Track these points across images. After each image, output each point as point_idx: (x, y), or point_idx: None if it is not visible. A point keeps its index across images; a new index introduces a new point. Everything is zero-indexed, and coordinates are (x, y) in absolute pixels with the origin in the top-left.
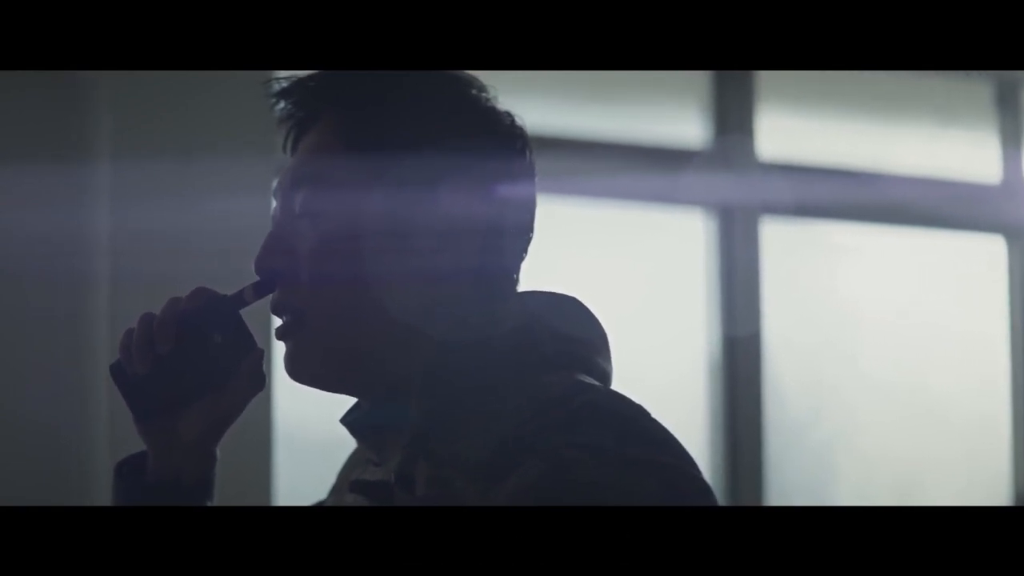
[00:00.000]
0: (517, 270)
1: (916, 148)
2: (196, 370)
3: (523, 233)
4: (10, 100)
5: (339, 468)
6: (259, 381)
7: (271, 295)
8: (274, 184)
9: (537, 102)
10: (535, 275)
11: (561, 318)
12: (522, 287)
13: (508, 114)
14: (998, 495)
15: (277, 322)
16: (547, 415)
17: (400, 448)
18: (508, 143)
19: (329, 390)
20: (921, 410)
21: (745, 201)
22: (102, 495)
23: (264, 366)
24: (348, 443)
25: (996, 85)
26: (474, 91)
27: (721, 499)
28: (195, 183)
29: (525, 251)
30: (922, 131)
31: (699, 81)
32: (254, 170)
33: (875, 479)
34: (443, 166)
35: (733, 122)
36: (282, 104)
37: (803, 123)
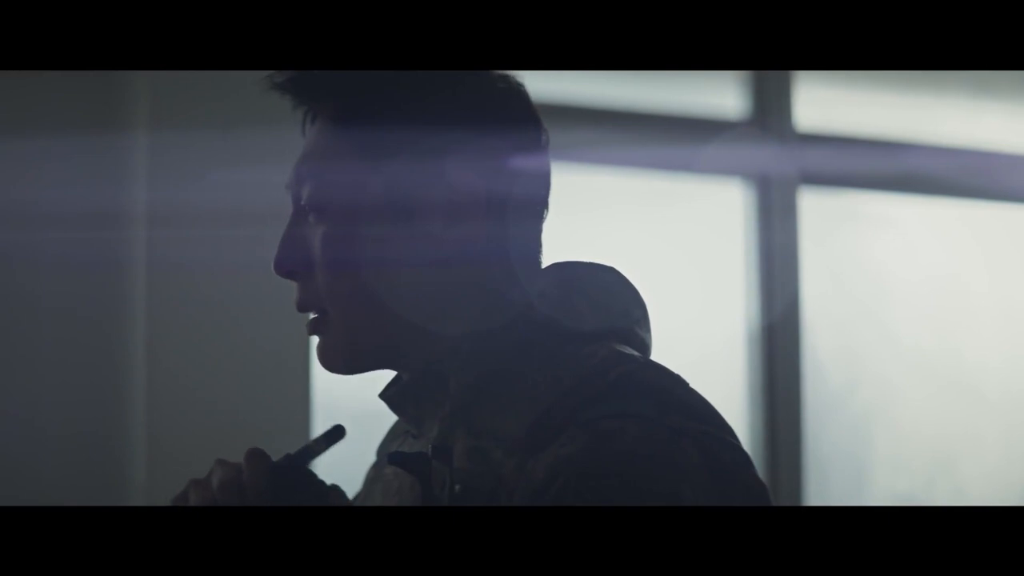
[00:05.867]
0: (539, 241)
1: (954, 118)
2: None
3: (538, 204)
4: (46, 80)
5: (378, 442)
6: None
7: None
8: (285, 182)
9: (575, 71)
10: (573, 245)
11: (600, 288)
12: (551, 259)
13: (504, 77)
14: None
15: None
16: (586, 386)
17: (439, 420)
18: (513, 113)
19: (365, 372)
20: (958, 383)
21: (783, 172)
22: (137, 493)
23: (345, 499)
24: (387, 417)
25: None
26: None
27: (760, 470)
28: (231, 160)
29: (542, 220)
30: (960, 102)
31: None
32: (291, 146)
33: (912, 452)
34: (447, 142)
35: (771, 93)
36: (287, 97)
37: (841, 94)
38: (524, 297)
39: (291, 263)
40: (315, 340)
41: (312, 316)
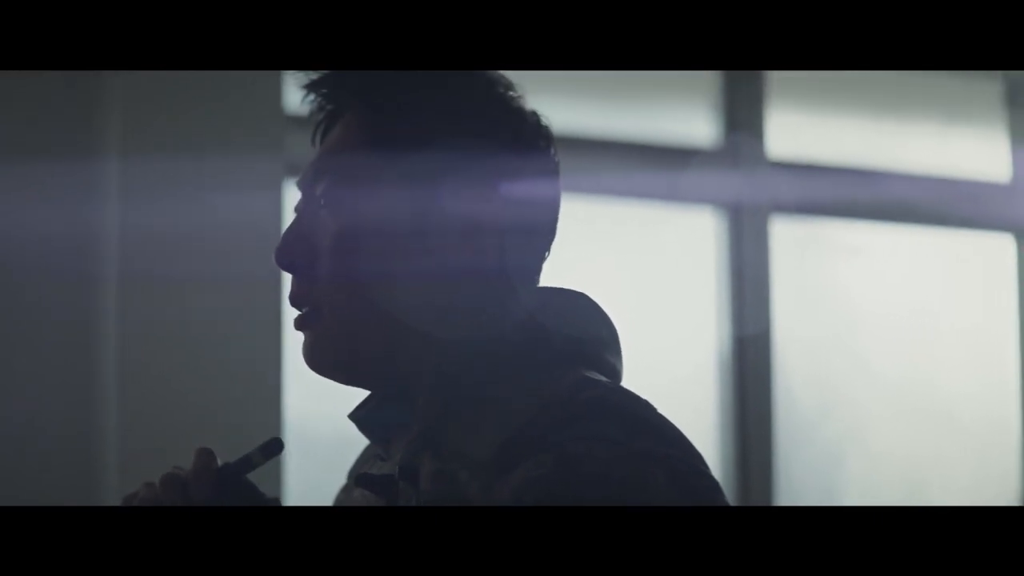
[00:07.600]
0: (538, 269)
1: (925, 146)
2: None
3: (546, 232)
4: (20, 96)
5: (349, 465)
6: None
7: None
8: (299, 177)
9: (549, 100)
10: (546, 272)
11: (571, 314)
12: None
13: (534, 113)
14: (1006, 493)
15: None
16: (554, 410)
17: (406, 443)
18: (533, 142)
19: (345, 383)
20: (929, 408)
21: (755, 199)
22: (110, 495)
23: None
24: (358, 440)
25: (1005, 83)
26: (500, 89)
27: (731, 495)
28: (204, 181)
29: (547, 250)
30: (931, 129)
31: (709, 79)
32: (264, 168)
33: (883, 477)
34: (466, 164)
35: (743, 121)
36: (310, 97)
37: (812, 121)
38: (519, 314)
39: (294, 255)
40: (302, 337)
41: (303, 311)
